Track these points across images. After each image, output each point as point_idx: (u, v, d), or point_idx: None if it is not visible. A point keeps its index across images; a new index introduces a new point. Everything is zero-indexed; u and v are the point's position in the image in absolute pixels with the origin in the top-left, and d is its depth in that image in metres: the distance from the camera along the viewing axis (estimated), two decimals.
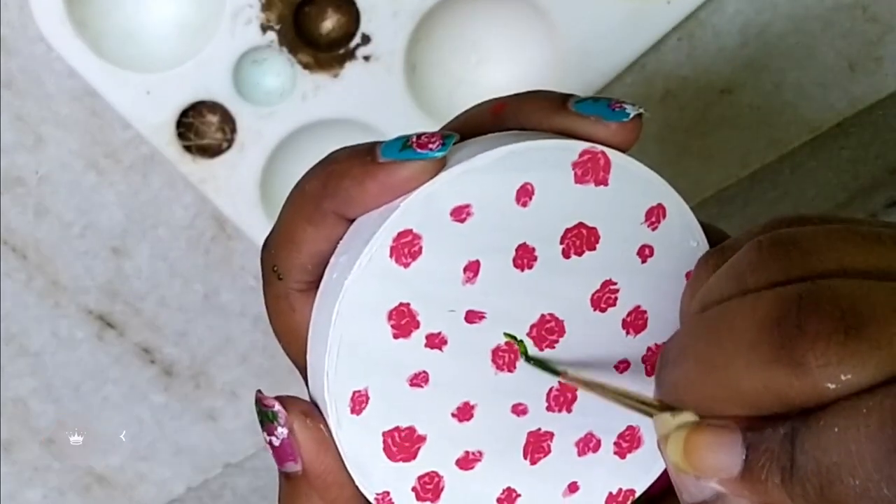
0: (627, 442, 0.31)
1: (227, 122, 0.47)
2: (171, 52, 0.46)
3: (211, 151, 0.47)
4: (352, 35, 0.46)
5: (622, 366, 0.30)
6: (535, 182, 0.27)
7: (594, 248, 0.29)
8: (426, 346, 0.28)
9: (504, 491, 0.30)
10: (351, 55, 0.46)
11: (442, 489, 0.29)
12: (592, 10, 0.46)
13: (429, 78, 0.48)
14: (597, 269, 0.29)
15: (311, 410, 0.28)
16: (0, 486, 0.55)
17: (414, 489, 0.29)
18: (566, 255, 0.28)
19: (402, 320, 0.27)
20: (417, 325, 0.28)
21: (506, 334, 0.29)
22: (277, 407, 0.28)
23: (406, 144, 0.27)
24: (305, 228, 0.28)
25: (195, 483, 0.56)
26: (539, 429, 0.30)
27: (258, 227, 0.49)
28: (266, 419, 0.29)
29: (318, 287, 0.28)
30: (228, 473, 0.56)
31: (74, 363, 0.53)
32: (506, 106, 0.30)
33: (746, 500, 0.23)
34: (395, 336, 0.27)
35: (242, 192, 0.48)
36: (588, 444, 0.30)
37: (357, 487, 0.28)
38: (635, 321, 0.30)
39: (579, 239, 0.28)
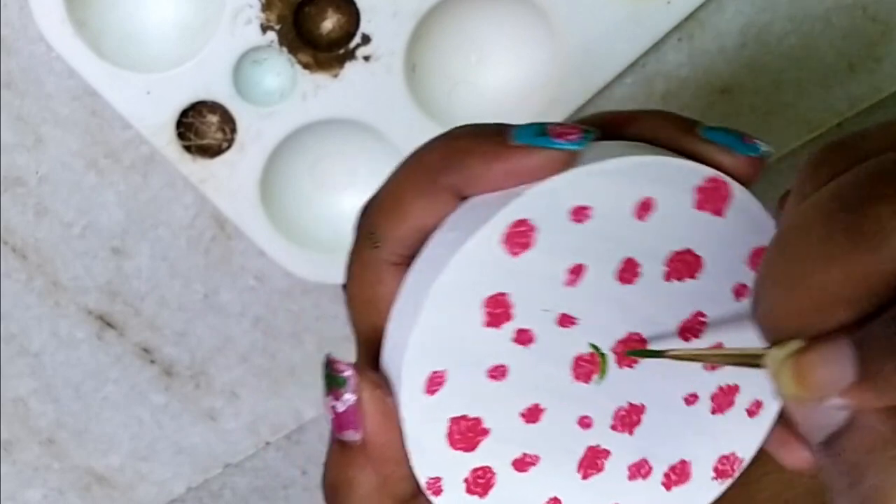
0: (677, 475, 0.30)
1: (227, 122, 0.47)
2: (171, 52, 0.46)
3: (211, 151, 0.47)
4: (352, 35, 0.46)
5: (691, 398, 0.30)
6: (657, 198, 0.27)
7: (694, 277, 0.28)
8: (513, 340, 0.27)
9: (550, 500, 0.29)
10: (351, 55, 0.46)
11: (492, 486, 0.29)
12: (592, 11, 0.46)
13: (429, 78, 0.48)
14: (692, 298, 0.28)
15: (381, 382, 0.27)
16: (0, 486, 0.55)
17: (466, 480, 0.28)
18: (667, 277, 0.28)
19: (497, 310, 0.27)
20: (509, 318, 0.27)
21: (591, 345, 0.28)
22: (349, 372, 0.27)
23: (542, 131, 0.26)
24: (416, 200, 0.27)
25: (195, 483, 0.56)
26: (598, 445, 0.29)
27: (258, 227, 0.49)
28: (334, 384, 0.28)
29: (409, 262, 0.28)
30: (228, 473, 0.56)
31: (74, 363, 0.53)
32: (631, 120, 0.29)
33: (874, 405, 0.22)
34: (487, 324, 0.27)
35: (242, 192, 0.48)
36: (640, 470, 0.30)
37: (409, 467, 0.28)
38: None
39: (683, 264, 0.28)
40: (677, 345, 0.29)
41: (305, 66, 0.46)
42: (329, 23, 0.47)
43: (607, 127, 0.29)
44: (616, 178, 0.26)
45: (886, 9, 0.49)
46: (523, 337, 0.27)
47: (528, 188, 0.26)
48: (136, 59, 0.46)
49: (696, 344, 0.29)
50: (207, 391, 0.54)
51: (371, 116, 0.47)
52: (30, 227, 0.50)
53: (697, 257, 0.28)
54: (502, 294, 0.26)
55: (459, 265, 0.26)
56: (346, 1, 0.46)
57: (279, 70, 0.47)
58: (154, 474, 0.56)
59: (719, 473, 0.31)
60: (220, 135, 0.47)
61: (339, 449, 0.28)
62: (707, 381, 0.30)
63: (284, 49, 0.46)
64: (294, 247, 0.49)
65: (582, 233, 0.26)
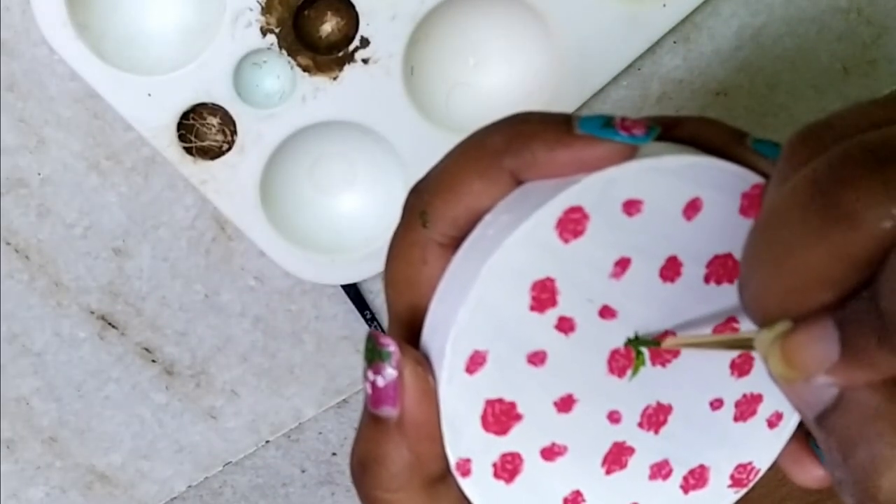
0: (695, 479, 0.31)
1: (228, 125, 0.47)
2: (172, 55, 0.46)
3: (211, 153, 0.48)
4: (351, 38, 0.46)
5: (716, 403, 0.30)
6: (705, 199, 0.27)
7: (732, 283, 0.28)
8: (555, 327, 0.27)
9: (573, 492, 0.29)
10: (350, 58, 0.46)
11: (518, 473, 0.29)
12: (589, 14, 0.46)
13: (427, 80, 0.48)
14: (728, 303, 0.28)
15: (423, 360, 0.28)
16: (2, 484, 0.55)
17: (494, 464, 0.28)
18: (707, 280, 0.28)
19: (543, 295, 0.27)
20: (554, 304, 0.27)
21: (629, 340, 0.28)
22: (393, 347, 0.27)
23: (608, 123, 0.26)
24: (474, 181, 0.27)
25: (196, 481, 0.56)
26: (624, 441, 0.29)
27: (258, 229, 0.49)
28: (377, 357, 0.28)
29: (456, 245, 0.28)
30: (228, 471, 0.56)
31: (76, 363, 0.53)
32: (678, 122, 0.29)
33: (859, 382, 0.22)
34: (532, 308, 0.27)
35: (243, 194, 0.48)
36: (660, 471, 0.30)
37: (443, 448, 0.28)
38: (742, 365, 0.30)
39: (724, 269, 0.28)
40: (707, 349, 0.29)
41: (305, 68, 0.46)
42: (328, 26, 0.47)
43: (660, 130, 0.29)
44: (670, 175, 0.27)
45: (881, 12, 0.49)
46: (565, 325, 0.27)
47: (586, 176, 0.26)
48: (137, 61, 0.46)
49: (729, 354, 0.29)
50: (208, 390, 0.54)
51: (370, 119, 0.47)
52: (32, 228, 0.50)
53: (738, 263, 0.28)
54: (550, 279, 0.27)
55: (513, 246, 0.26)
56: (345, 4, 0.46)
57: (279, 73, 0.47)
58: (155, 472, 0.56)
59: (735, 482, 0.31)
60: (220, 137, 0.48)
61: (374, 424, 0.28)
62: (733, 387, 0.30)
63: (284, 52, 0.46)
64: (294, 248, 0.49)
65: (631, 226, 0.27)
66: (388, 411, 0.28)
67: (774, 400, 0.31)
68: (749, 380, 0.30)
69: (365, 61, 0.46)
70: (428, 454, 0.28)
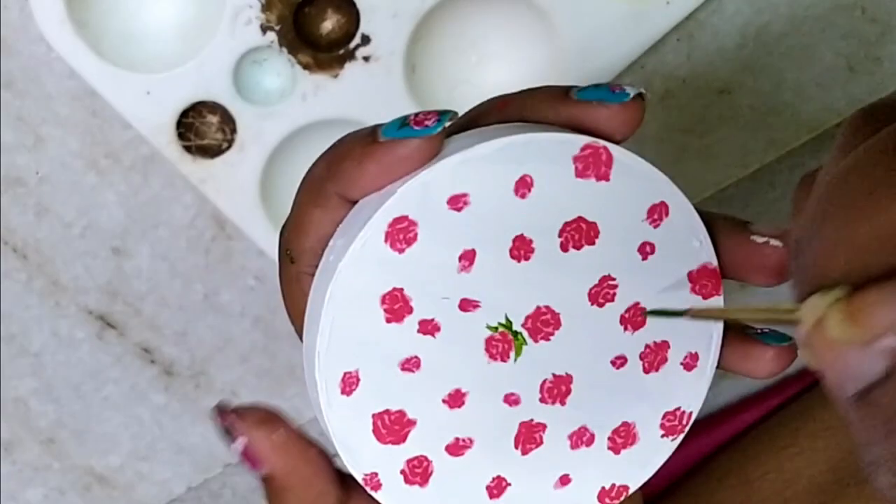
0: (622, 438, 0.31)
1: (228, 123, 0.47)
2: (171, 53, 0.46)
3: (211, 151, 0.48)
4: (352, 35, 0.46)
5: (619, 361, 0.30)
6: (534, 174, 0.27)
7: (593, 243, 0.29)
8: (419, 331, 0.28)
9: (494, 479, 0.30)
10: (351, 55, 0.46)
11: (431, 474, 0.29)
12: (592, 11, 0.46)
13: (428, 78, 0.48)
14: (595, 264, 0.29)
15: (268, 418, 0.29)
16: (0, 486, 0.55)
17: (402, 472, 0.29)
18: (564, 248, 0.28)
19: (395, 305, 0.28)
20: (410, 311, 0.28)
21: (499, 324, 0.29)
22: (228, 422, 0.29)
23: (404, 123, 0.27)
24: (313, 211, 0.29)
25: (195, 483, 0.56)
26: (532, 420, 0.30)
27: (258, 227, 0.49)
28: (224, 434, 0.30)
29: None
30: (228, 473, 0.56)
31: (75, 363, 0.53)
32: (510, 101, 0.30)
33: None
34: (388, 320, 0.28)
35: (242, 192, 0.48)
36: (581, 438, 0.30)
37: (325, 482, 0.29)
38: (633, 318, 0.30)
39: (578, 233, 0.28)
40: (588, 312, 0.29)
41: (305, 66, 0.46)
42: (329, 23, 0.47)
43: (492, 113, 0.30)
44: (485, 162, 0.27)
45: (885, 9, 0.49)
46: (428, 327, 0.28)
47: (401, 185, 0.27)
48: (136, 59, 0.46)
49: (613, 307, 0.29)
50: (207, 391, 0.54)
51: (370, 117, 0.47)
52: (30, 228, 0.50)
53: (592, 224, 0.28)
54: (397, 289, 0.27)
55: (348, 270, 0.27)
56: (346, 1, 0.46)
57: (279, 70, 0.47)
58: (154, 474, 0.56)
59: (668, 430, 0.31)
60: (220, 135, 0.48)
61: (262, 484, 0.30)
62: (631, 342, 0.30)
63: (284, 49, 0.46)
64: None
65: (464, 219, 0.27)
66: (261, 472, 0.30)
67: (683, 342, 0.30)
68: (647, 331, 0.30)
69: (366, 59, 0.46)
70: (311, 494, 0.30)
